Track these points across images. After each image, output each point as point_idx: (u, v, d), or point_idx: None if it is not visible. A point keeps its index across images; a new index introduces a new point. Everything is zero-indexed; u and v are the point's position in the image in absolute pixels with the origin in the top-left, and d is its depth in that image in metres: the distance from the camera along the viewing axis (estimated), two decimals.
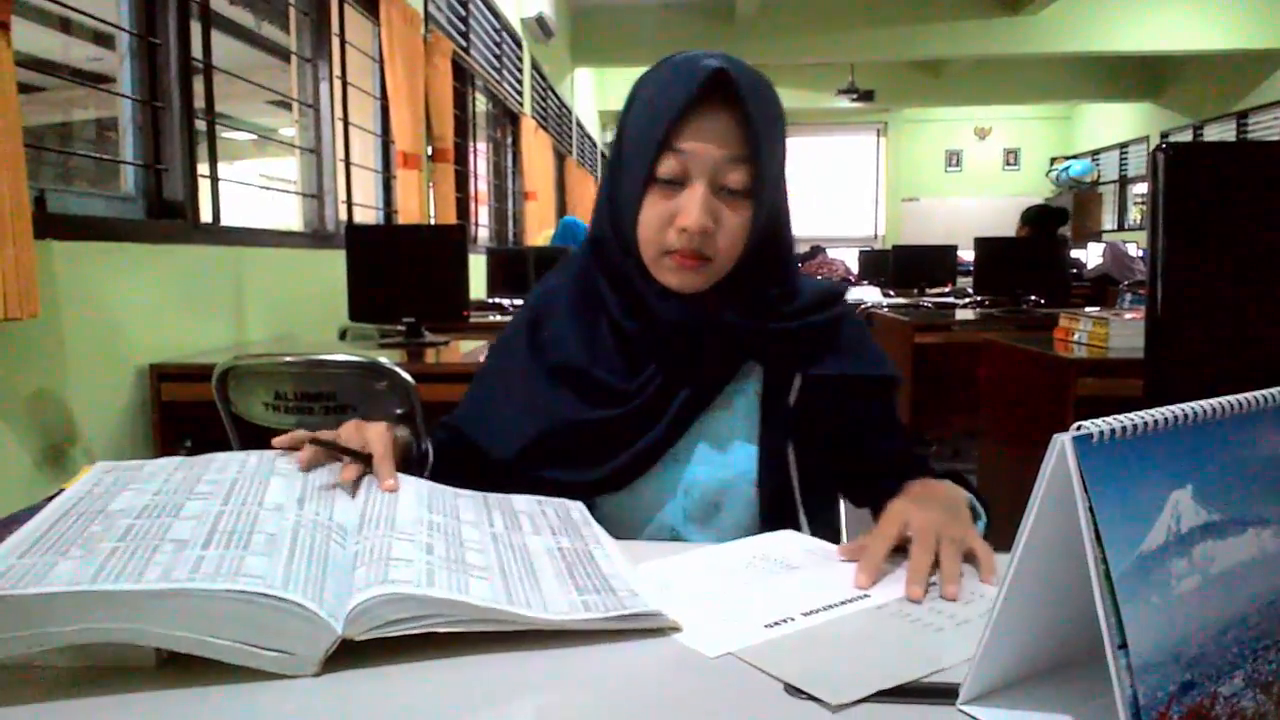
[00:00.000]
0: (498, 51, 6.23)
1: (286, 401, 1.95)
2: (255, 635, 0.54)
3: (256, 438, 2.01)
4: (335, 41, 3.68)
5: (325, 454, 0.77)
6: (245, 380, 1.95)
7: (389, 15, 3.87)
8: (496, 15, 6.17)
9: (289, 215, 3.55)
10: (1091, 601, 0.42)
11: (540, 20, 6.88)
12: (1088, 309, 3.09)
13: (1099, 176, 13.04)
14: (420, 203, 4.24)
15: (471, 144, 5.84)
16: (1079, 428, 0.43)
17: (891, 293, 5.55)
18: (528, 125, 7.00)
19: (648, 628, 0.63)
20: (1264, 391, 0.49)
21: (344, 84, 3.76)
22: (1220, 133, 10.18)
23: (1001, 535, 0.73)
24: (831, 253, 7.54)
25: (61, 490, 0.69)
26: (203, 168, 2.60)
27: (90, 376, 2.08)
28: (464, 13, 5.41)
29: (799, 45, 9.16)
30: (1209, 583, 0.44)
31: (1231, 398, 0.47)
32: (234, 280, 2.76)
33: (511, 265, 4.61)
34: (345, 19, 3.79)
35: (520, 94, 6.94)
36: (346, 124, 3.82)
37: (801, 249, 7.19)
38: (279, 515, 0.65)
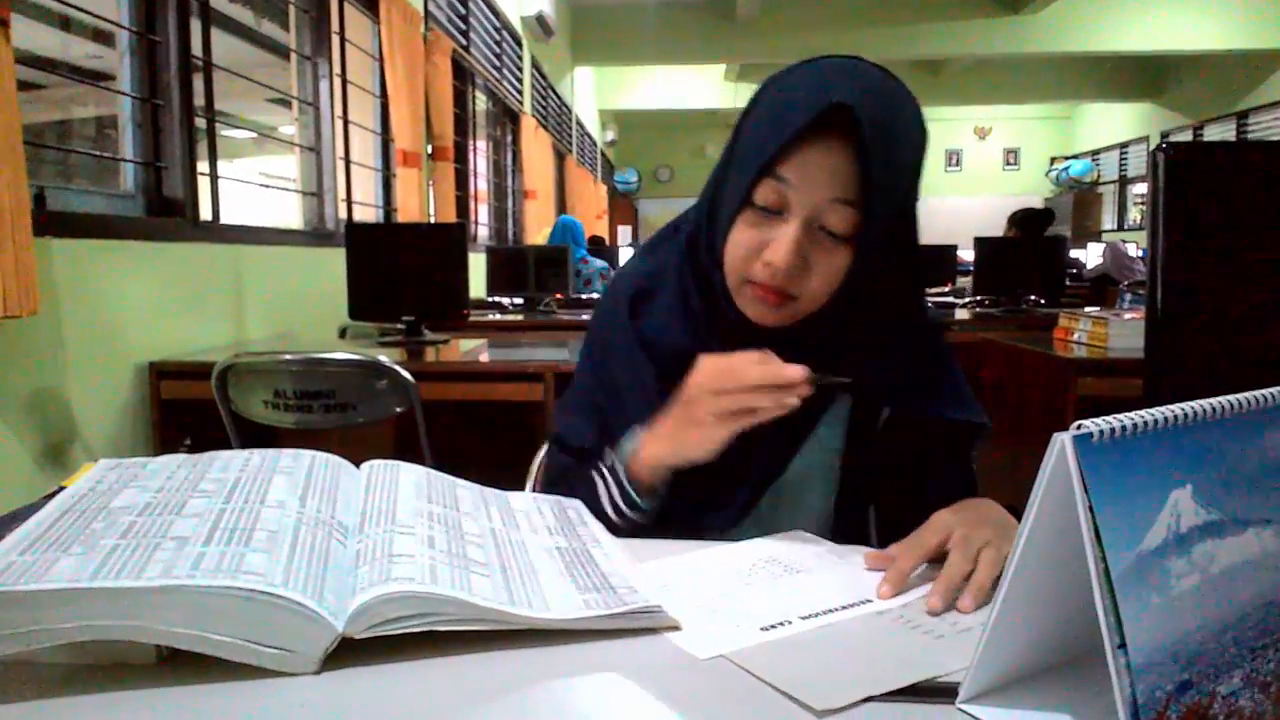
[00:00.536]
0: (498, 50, 6.23)
1: (286, 400, 1.95)
2: (255, 632, 0.54)
3: (256, 436, 2.01)
4: (335, 40, 3.68)
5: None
6: (245, 378, 1.96)
7: (389, 13, 3.87)
8: (496, 14, 6.17)
9: (289, 213, 3.55)
10: (1091, 600, 0.42)
11: (540, 19, 6.87)
12: (1087, 309, 3.10)
13: (1099, 176, 13.10)
14: (420, 201, 4.25)
15: (471, 142, 5.84)
16: (1079, 427, 0.43)
17: None
18: (528, 124, 7.00)
19: (648, 625, 0.63)
20: (1264, 391, 0.49)
21: (344, 82, 3.76)
22: (1220, 133, 10.24)
23: None
24: None
25: (62, 488, 0.69)
26: (202, 165, 2.59)
27: (90, 374, 2.08)
28: (464, 11, 5.41)
29: (798, 44, 9.14)
30: (1208, 582, 0.45)
31: (1231, 397, 0.47)
32: (234, 278, 2.76)
33: (511, 264, 4.61)
34: (345, 17, 3.78)
35: (520, 93, 6.94)
36: (346, 122, 3.82)
37: None
38: (281, 512, 0.64)
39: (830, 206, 0.79)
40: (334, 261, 3.08)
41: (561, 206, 8.98)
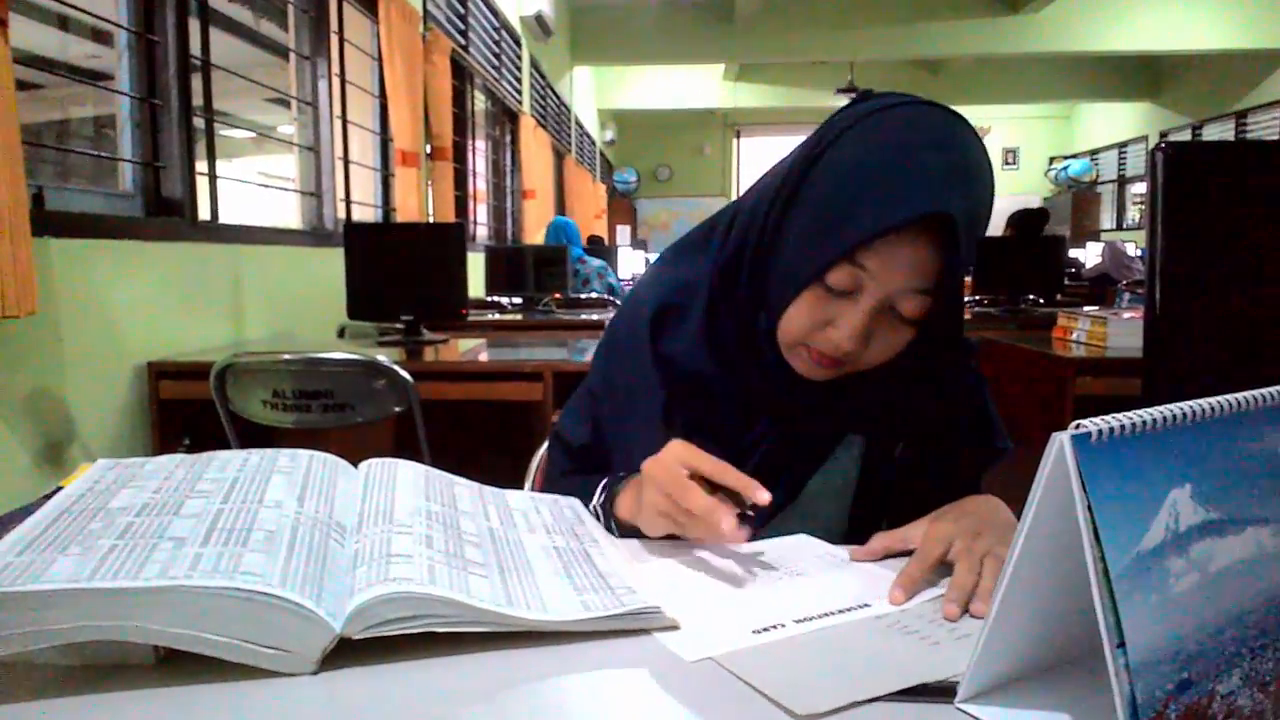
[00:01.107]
0: (497, 50, 6.24)
1: (285, 399, 1.96)
2: (253, 633, 0.54)
3: (255, 435, 2.01)
4: (334, 39, 3.68)
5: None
6: (243, 378, 1.96)
7: (388, 13, 3.87)
8: (495, 13, 6.17)
9: (288, 213, 3.55)
10: (1090, 600, 0.42)
11: (539, 18, 6.88)
12: (1086, 308, 3.10)
13: (1098, 176, 13.12)
14: (419, 201, 4.25)
15: (470, 142, 5.83)
16: (1077, 426, 0.43)
17: None
18: (527, 123, 7.00)
19: (646, 626, 0.63)
20: (1263, 390, 0.49)
21: (343, 82, 3.76)
22: (1219, 132, 10.29)
23: None
24: None
25: (60, 488, 0.69)
26: (201, 165, 2.59)
27: (88, 374, 2.08)
28: (463, 10, 5.41)
29: (798, 44, 9.18)
30: (1207, 581, 0.45)
31: (1231, 397, 0.47)
32: (232, 278, 2.76)
33: (510, 263, 4.62)
34: (344, 16, 3.78)
35: (519, 92, 6.94)
36: (345, 122, 3.82)
37: None
38: (279, 512, 0.64)
39: (905, 295, 0.77)
40: (333, 261, 3.08)
41: (560, 206, 8.98)
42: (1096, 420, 0.43)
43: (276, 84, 3.60)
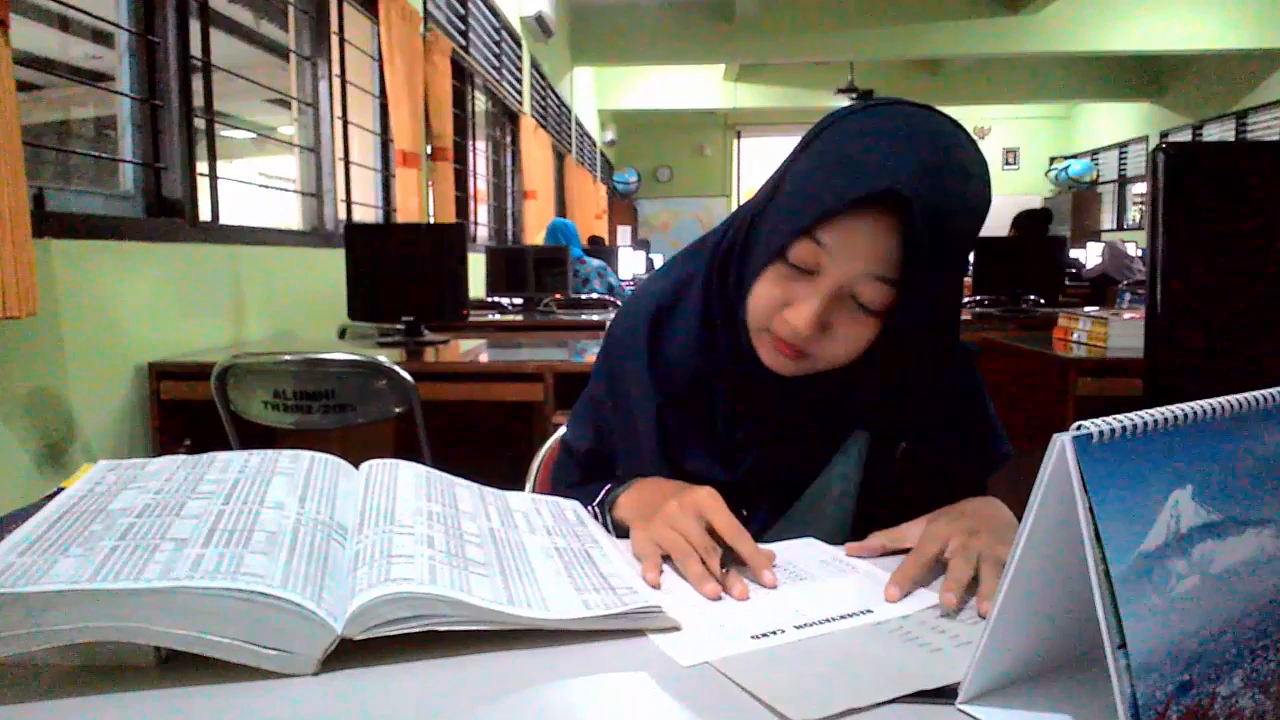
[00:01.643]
0: (497, 50, 6.24)
1: (286, 400, 1.96)
2: (254, 634, 0.54)
3: (256, 436, 2.01)
4: (334, 40, 3.67)
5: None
6: (245, 379, 1.96)
7: (388, 13, 3.87)
8: (496, 14, 6.17)
9: (289, 214, 3.55)
10: (1091, 601, 0.42)
11: (540, 19, 6.88)
12: (1086, 308, 3.10)
13: (1098, 176, 13.13)
14: (420, 201, 4.25)
15: (471, 143, 5.83)
16: (1079, 427, 0.43)
17: None
18: (527, 124, 7.00)
19: (647, 626, 0.63)
20: (1263, 391, 0.49)
21: (343, 82, 3.76)
22: (1220, 133, 10.33)
23: None
24: None
25: (61, 489, 0.69)
26: (201, 166, 2.59)
27: (89, 375, 2.08)
28: (463, 11, 5.42)
29: (798, 44, 9.17)
30: (1207, 582, 0.45)
31: (1231, 398, 0.47)
32: (233, 279, 2.76)
33: (511, 264, 4.61)
34: (344, 17, 3.78)
35: (520, 93, 6.94)
36: (346, 122, 3.82)
37: None
38: (280, 514, 0.64)
39: (865, 280, 0.76)
40: (334, 262, 3.08)
41: (561, 207, 8.98)
42: (1098, 421, 0.43)
43: (277, 84, 3.60)
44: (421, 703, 0.54)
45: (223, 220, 2.74)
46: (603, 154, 12.94)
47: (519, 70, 6.93)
